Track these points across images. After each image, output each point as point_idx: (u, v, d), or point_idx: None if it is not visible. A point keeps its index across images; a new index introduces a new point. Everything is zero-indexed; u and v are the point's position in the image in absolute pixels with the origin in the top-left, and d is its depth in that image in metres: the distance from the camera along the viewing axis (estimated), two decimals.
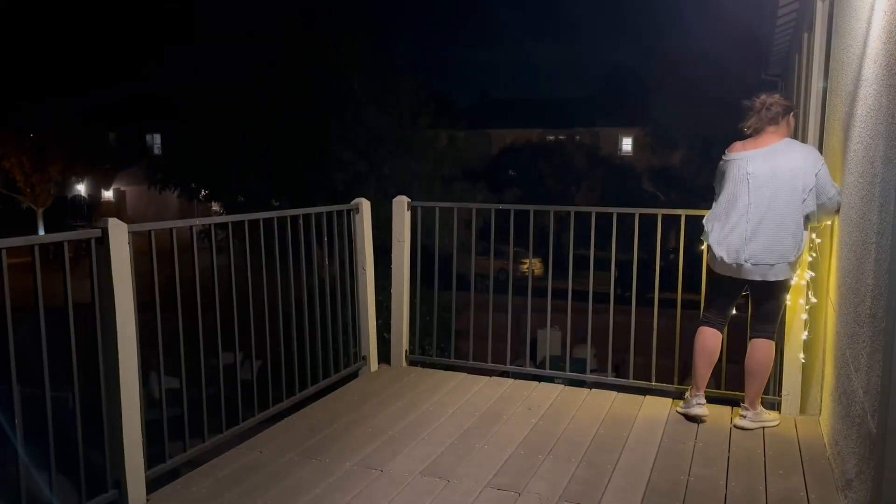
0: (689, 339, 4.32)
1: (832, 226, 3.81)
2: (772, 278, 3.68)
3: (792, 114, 3.82)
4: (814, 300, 3.87)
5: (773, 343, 3.83)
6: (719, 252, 3.71)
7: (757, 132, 3.78)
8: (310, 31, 16.08)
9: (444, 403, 4.19)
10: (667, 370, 4.42)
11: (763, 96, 3.79)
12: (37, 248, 2.70)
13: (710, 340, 3.93)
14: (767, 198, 3.62)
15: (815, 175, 3.60)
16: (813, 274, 3.91)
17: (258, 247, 3.73)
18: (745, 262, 3.66)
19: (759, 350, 3.82)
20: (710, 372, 3.97)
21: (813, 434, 3.74)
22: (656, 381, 4.44)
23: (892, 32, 2.58)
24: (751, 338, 3.87)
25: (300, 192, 15.44)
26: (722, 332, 3.97)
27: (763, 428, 3.83)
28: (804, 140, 5.41)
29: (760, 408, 3.89)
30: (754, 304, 3.87)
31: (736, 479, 3.24)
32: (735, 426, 3.85)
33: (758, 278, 3.70)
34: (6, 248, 2.59)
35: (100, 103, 31.60)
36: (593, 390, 4.41)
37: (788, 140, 3.76)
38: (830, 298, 3.71)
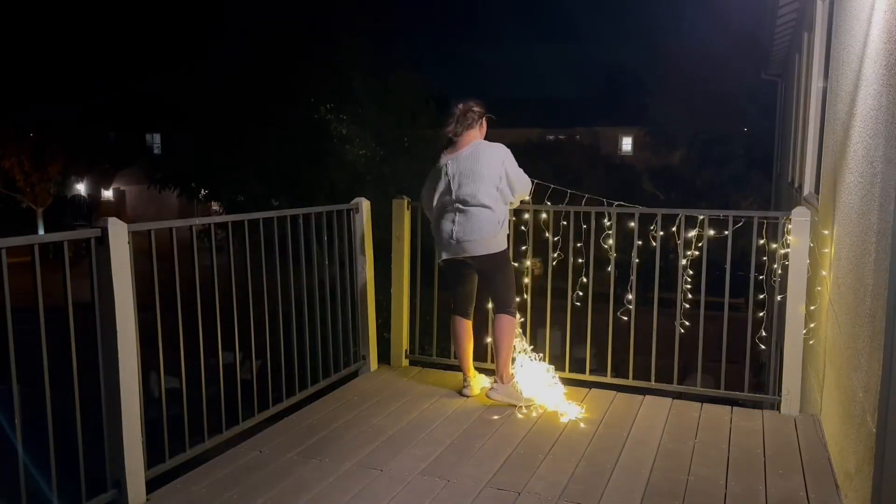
0: (690, 339, 4.33)
1: (832, 226, 3.81)
2: (483, 251, 4.16)
3: (485, 118, 4.29)
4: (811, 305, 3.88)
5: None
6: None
7: (457, 136, 4.22)
8: (310, 30, 16.08)
9: (444, 403, 4.19)
10: (667, 370, 4.42)
11: (462, 104, 4.21)
12: (37, 248, 2.70)
13: (463, 331, 4.37)
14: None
15: (503, 165, 4.16)
16: (810, 273, 3.92)
17: (258, 246, 3.73)
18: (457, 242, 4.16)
19: (500, 324, 4.24)
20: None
21: (813, 434, 3.75)
22: (656, 381, 4.44)
23: (892, 32, 2.58)
24: (496, 313, 4.27)
25: (300, 192, 15.44)
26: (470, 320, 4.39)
27: (512, 406, 4.11)
28: (805, 146, 5.39)
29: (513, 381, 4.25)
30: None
31: (736, 478, 3.24)
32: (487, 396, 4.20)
33: (474, 252, 4.16)
34: (6, 247, 2.59)
35: (100, 103, 31.61)
36: (593, 390, 4.41)
37: (478, 142, 4.23)
38: (830, 298, 3.71)
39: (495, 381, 4.25)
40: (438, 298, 5.19)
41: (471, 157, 4.16)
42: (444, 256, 4.25)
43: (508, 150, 4.24)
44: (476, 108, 4.25)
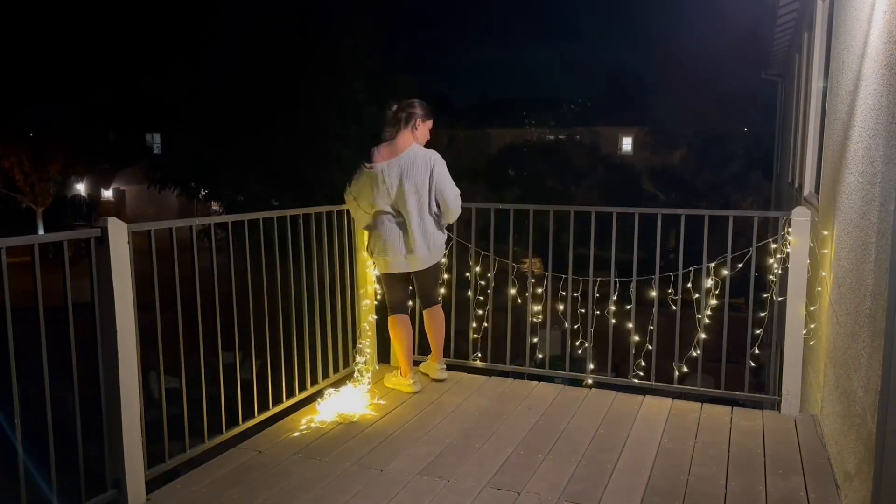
0: (690, 339, 4.33)
1: (832, 226, 3.81)
2: (429, 264, 4.29)
3: (421, 120, 4.21)
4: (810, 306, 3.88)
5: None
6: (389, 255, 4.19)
7: (392, 137, 4.18)
8: (310, 30, 16.08)
9: (444, 403, 4.20)
10: (667, 370, 4.42)
11: (398, 103, 4.21)
12: (36, 248, 2.70)
13: (408, 328, 4.49)
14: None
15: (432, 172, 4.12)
16: (809, 273, 3.92)
17: (258, 246, 3.73)
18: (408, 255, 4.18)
19: (438, 314, 4.50)
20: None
21: (813, 434, 3.75)
22: (656, 381, 4.44)
23: (892, 32, 2.58)
24: (427, 307, 4.48)
25: (300, 192, 15.43)
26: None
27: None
28: (805, 146, 5.39)
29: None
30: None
31: (736, 478, 3.24)
32: (438, 380, 4.52)
33: (421, 267, 4.26)
34: (6, 247, 2.59)
35: (100, 103, 31.58)
36: (593, 390, 4.41)
37: (415, 146, 4.16)
38: (830, 298, 3.71)
39: (439, 363, 4.57)
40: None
41: (403, 166, 4.09)
42: (397, 270, 4.24)
43: (440, 158, 4.18)
44: (417, 109, 4.18)
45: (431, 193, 4.14)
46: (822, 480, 3.23)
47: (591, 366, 4.58)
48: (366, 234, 4.45)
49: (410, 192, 4.09)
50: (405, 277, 4.37)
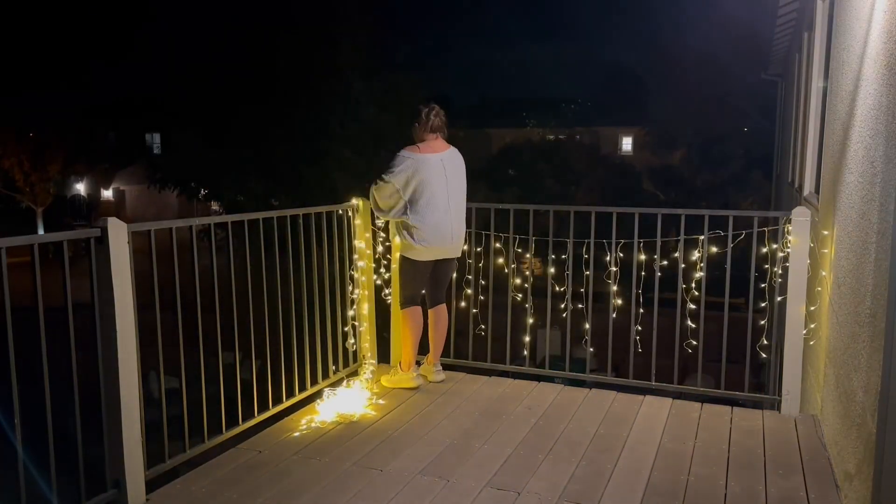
0: (690, 339, 4.33)
1: (832, 226, 3.81)
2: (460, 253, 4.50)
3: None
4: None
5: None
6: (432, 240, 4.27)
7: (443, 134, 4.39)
8: (310, 30, 16.09)
9: (444, 403, 4.20)
10: (667, 370, 4.42)
11: (436, 106, 4.39)
12: (36, 248, 2.70)
13: (421, 321, 4.52)
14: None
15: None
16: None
17: (258, 246, 3.73)
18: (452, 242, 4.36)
19: (445, 314, 4.59)
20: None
21: (813, 434, 3.75)
22: (656, 381, 4.44)
23: (892, 32, 2.58)
24: (435, 305, 4.52)
25: (300, 192, 15.44)
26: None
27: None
28: (805, 146, 5.39)
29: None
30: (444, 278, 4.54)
31: (736, 479, 3.24)
32: (435, 381, 4.52)
33: (457, 253, 4.49)
34: (6, 247, 2.59)
35: (100, 102, 31.60)
36: (593, 390, 4.41)
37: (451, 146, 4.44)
38: (830, 298, 3.71)
39: (435, 366, 4.59)
40: None
41: (456, 159, 4.39)
42: (438, 256, 4.35)
43: None
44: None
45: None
46: (822, 480, 3.23)
47: (591, 349, 4.58)
48: (390, 225, 4.61)
49: (461, 184, 4.39)
50: (430, 268, 4.42)
